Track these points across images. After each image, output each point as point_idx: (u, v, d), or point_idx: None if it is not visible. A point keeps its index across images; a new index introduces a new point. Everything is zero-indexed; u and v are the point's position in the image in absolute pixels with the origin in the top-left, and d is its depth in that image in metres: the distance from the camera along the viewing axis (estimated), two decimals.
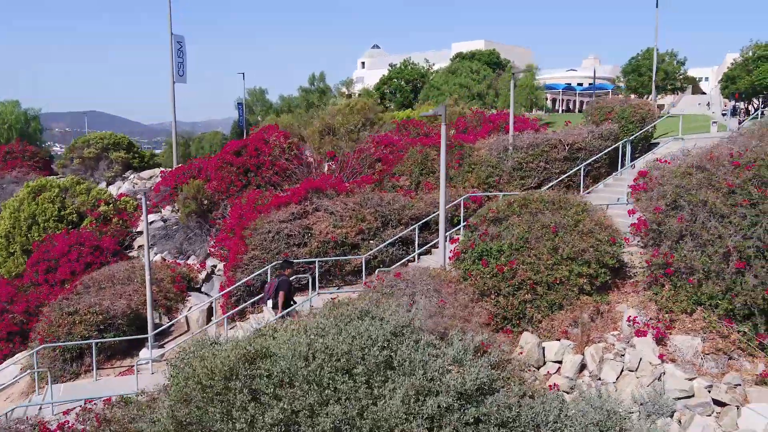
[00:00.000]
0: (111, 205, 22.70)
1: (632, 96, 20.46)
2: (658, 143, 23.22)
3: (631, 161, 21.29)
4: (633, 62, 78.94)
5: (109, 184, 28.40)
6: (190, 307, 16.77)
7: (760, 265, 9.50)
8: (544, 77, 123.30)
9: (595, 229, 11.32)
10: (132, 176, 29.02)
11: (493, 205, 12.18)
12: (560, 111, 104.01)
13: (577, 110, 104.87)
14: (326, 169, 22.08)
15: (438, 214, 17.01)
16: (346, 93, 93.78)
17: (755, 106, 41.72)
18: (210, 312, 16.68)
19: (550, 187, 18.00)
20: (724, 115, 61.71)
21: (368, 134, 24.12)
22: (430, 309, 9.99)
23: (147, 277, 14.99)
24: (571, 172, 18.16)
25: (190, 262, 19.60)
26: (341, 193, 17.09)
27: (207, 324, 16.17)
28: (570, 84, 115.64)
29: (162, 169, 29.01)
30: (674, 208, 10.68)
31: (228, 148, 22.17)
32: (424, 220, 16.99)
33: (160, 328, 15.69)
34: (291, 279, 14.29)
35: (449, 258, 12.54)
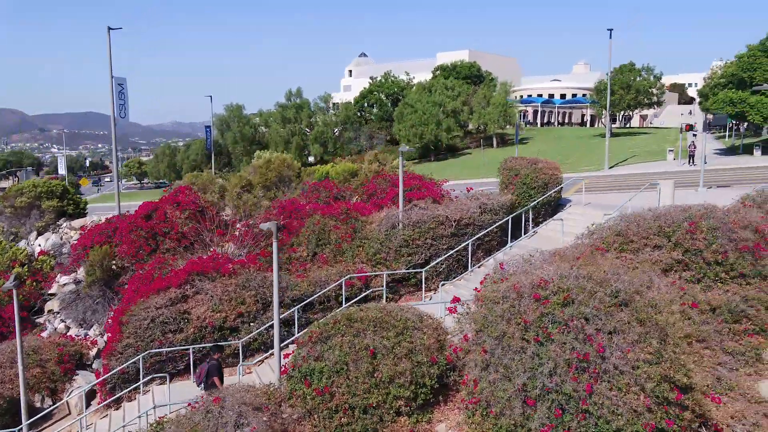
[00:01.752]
0: (26, 266, 22.92)
1: (541, 161, 20.36)
2: (570, 200, 23.44)
3: (536, 226, 21.54)
4: (611, 75, 79.12)
5: (39, 233, 28.61)
6: (71, 391, 16.99)
7: (545, 405, 9.71)
8: (527, 88, 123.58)
9: (416, 349, 11.54)
10: (65, 224, 29.22)
11: (322, 322, 12.38)
12: (539, 124, 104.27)
13: (557, 123, 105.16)
14: (239, 231, 22.27)
15: (323, 293, 17.25)
16: (325, 108, 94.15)
17: (694, 147, 41.66)
18: (93, 395, 16.89)
19: (437, 264, 18.25)
20: (695, 136, 61.94)
21: (286, 190, 24.38)
22: None
23: (20, 367, 15.21)
24: (459, 247, 18.37)
25: (91, 332, 19.81)
26: (225, 274, 17.31)
27: (86, 409, 16.38)
28: (552, 96, 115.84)
29: (83, 226, 28.82)
30: (482, 335, 10.89)
31: (140, 210, 22.39)
32: (306, 301, 17.22)
33: (38, 416, 15.91)
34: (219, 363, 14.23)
35: (281, 372, 12.72)
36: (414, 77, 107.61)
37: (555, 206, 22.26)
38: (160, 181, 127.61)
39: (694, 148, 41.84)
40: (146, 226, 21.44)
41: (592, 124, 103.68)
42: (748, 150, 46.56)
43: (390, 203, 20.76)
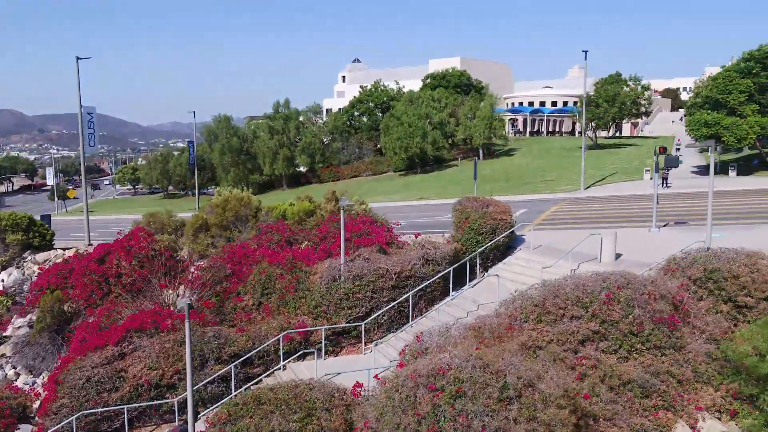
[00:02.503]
0: None
1: (492, 203, 20.56)
2: (524, 239, 23.54)
3: (486, 271, 21.68)
4: (598, 87, 79.21)
5: (3, 268, 28.76)
6: None
7: None
8: (519, 95, 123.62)
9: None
10: (29, 258, 29.42)
11: (231, 403, 12.52)
12: (527, 133, 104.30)
13: (546, 132, 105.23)
14: (191, 274, 22.38)
15: (262, 348, 17.37)
16: (314, 119, 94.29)
17: (667, 169, 41.77)
18: None
19: (378, 316, 18.40)
20: (678, 150, 61.74)
21: (243, 228, 24.52)
22: None
23: None
24: (401, 299, 18.52)
25: (39, 380, 19.96)
26: (163, 330, 17.45)
27: None
28: (543, 103, 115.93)
29: (46, 261, 28.94)
30: (380, 423, 11.03)
31: (93, 253, 22.54)
32: (244, 357, 17.36)
33: None
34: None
35: None
36: (404, 86, 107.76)
37: (505, 249, 22.38)
38: (154, 186, 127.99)
39: (668, 170, 41.98)
40: (99, 270, 21.60)
41: (582, 133, 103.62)
42: (724, 169, 46.65)
43: (338, 249, 20.89)
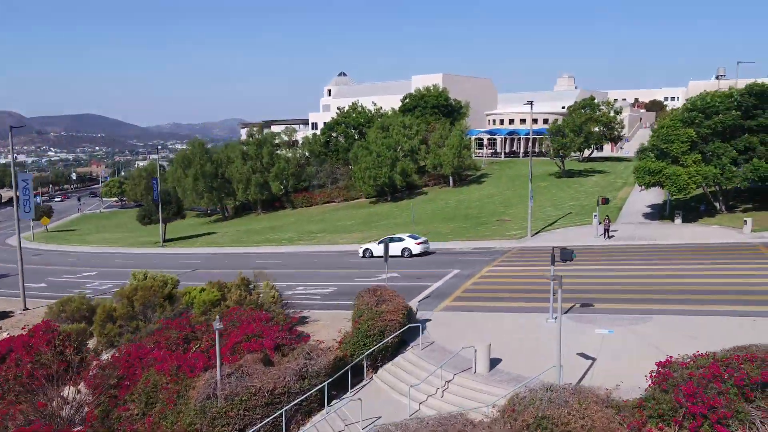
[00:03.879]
0: None
1: (388, 298, 20.98)
2: (421, 330, 23.94)
3: (374, 371, 22.15)
4: (568, 116, 79.52)
5: None
6: None
7: None
8: (500, 113, 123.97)
9: None
10: None
11: None
12: (502, 155, 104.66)
13: (522, 153, 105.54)
14: (92, 371, 22.82)
15: None
16: (289, 141, 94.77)
17: (608, 221, 42.25)
18: None
19: None
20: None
21: (152, 316, 25.01)
22: None
23: None
24: (275, 415, 18.97)
25: None
26: None
27: None
28: (523, 121, 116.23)
29: None
30: None
31: None
32: None
33: None
34: None
35: None
36: (382, 107, 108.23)
37: (399, 344, 22.78)
38: (140, 201, 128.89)
39: (609, 222, 42.46)
40: None
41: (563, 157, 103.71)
42: (671, 214, 47.04)
43: (230, 353, 21.36)
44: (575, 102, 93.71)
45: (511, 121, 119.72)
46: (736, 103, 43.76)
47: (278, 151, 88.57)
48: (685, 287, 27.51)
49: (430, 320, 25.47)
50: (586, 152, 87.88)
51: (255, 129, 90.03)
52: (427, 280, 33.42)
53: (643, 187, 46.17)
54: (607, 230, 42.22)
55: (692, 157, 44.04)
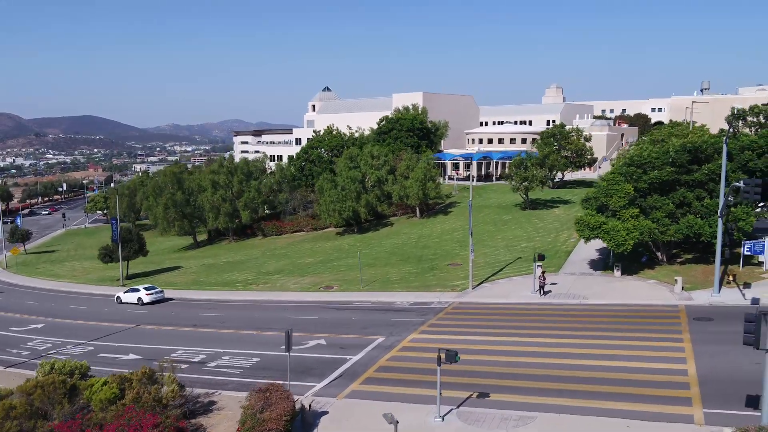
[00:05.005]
0: None
1: (273, 402, 21.43)
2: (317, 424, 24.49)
3: None
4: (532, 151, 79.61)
5: None
6: None
7: None
8: (479, 132, 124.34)
9: None
10: None
11: None
12: (474, 180, 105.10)
13: (495, 177, 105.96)
14: None
15: None
16: (261, 169, 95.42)
17: (543, 278, 42.85)
18: None
19: None
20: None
21: (53, 412, 25.60)
22: None
23: None
24: None
25: None
26: None
27: None
28: (501, 140, 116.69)
29: None
30: None
31: None
32: None
33: None
34: None
35: None
36: (360, 128, 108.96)
37: None
38: (122, 219, 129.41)
39: (544, 279, 43.02)
40: None
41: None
42: (610, 265, 47.58)
43: None
44: (545, 129, 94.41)
45: (490, 141, 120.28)
46: (670, 160, 44.32)
47: (251, 179, 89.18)
48: (584, 373, 28.05)
49: (327, 413, 26.02)
50: (560, 175, 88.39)
51: (226, 158, 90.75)
52: (349, 351, 33.98)
53: (583, 240, 46.70)
54: (542, 287, 42.78)
55: (630, 212, 44.61)
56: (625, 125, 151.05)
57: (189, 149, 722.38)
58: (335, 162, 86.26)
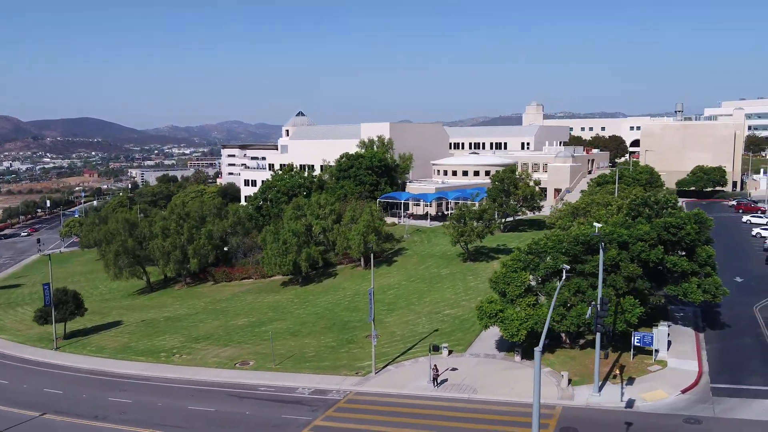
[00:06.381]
0: None
1: None
2: None
3: None
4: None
5: None
6: None
7: None
8: (446, 164, 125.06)
9: None
10: None
11: None
12: (429, 220, 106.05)
13: (449, 213, 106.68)
14: None
15: None
16: (215, 212, 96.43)
17: (437, 370, 43.83)
18: None
19: None
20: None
21: None
22: None
23: None
24: None
25: None
26: None
27: None
28: (465, 173, 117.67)
29: None
30: None
31: None
32: None
33: None
34: None
35: None
36: (317, 172, 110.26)
37: None
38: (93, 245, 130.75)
39: (437, 372, 43.95)
40: None
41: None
42: (511, 348, 48.44)
43: None
44: (495, 173, 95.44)
45: (455, 173, 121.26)
46: (563, 250, 45.29)
47: (205, 223, 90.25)
48: None
49: None
50: (519, 211, 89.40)
51: (176, 205, 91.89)
52: None
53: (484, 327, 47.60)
54: (435, 378, 43.70)
55: (527, 300, 45.62)
56: (595, 150, 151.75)
57: (187, 152, 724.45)
58: (284, 209, 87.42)
